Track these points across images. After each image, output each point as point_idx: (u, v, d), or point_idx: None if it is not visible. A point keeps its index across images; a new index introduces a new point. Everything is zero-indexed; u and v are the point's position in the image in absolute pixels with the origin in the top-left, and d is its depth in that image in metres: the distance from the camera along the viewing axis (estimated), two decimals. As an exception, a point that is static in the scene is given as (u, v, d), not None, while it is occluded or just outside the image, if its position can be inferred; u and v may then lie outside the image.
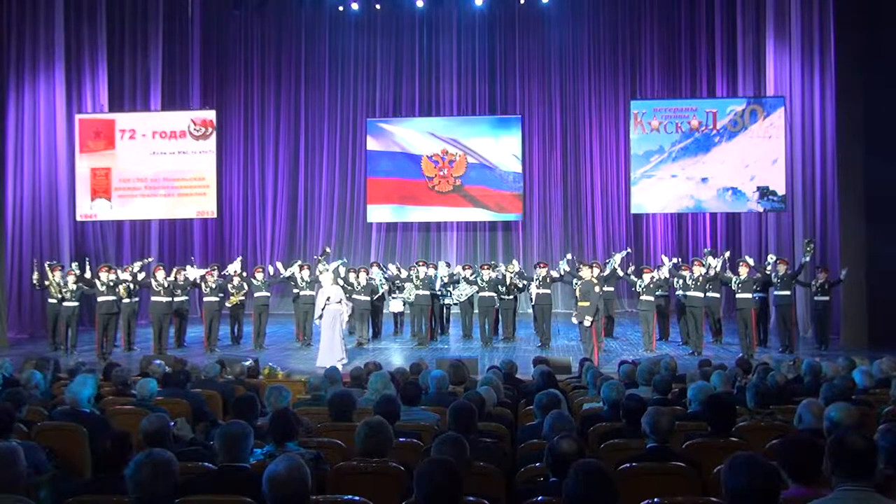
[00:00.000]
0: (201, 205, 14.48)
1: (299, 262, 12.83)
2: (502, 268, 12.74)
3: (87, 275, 11.86)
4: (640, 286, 11.69)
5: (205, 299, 12.25)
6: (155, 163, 14.35)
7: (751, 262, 11.38)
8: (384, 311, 13.52)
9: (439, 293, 12.71)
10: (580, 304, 10.53)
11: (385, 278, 13.12)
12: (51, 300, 11.91)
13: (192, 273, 12.27)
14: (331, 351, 10.20)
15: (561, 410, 4.05)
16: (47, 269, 11.94)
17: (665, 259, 12.68)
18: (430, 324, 12.52)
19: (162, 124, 14.51)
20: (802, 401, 4.27)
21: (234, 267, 12.69)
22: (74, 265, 12.09)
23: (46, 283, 11.82)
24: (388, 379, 5.56)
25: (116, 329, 11.73)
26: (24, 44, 13.82)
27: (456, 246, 17.58)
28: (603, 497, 2.56)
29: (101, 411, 5.29)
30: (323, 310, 10.41)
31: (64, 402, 5.12)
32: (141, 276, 11.94)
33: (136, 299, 12.16)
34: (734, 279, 11.09)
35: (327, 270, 11.31)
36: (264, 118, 17.90)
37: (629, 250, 13.34)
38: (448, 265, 14.08)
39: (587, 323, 10.24)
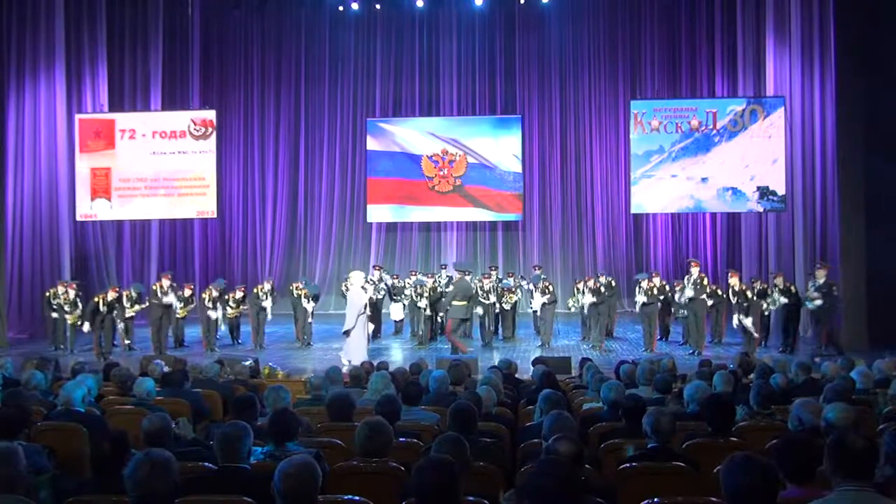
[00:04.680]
0: (201, 205, 14.47)
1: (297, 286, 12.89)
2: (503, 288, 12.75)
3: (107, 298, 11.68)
4: (639, 292, 11.69)
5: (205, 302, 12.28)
6: (155, 163, 14.34)
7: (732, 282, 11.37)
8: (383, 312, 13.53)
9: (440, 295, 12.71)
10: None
11: (385, 286, 13.20)
12: (54, 314, 11.91)
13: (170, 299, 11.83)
14: (358, 350, 10.16)
15: (561, 411, 4.04)
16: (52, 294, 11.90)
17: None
18: (431, 324, 12.52)
19: (162, 124, 14.50)
20: (795, 401, 4.27)
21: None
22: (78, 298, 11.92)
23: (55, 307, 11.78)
24: (389, 379, 5.56)
25: (115, 329, 11.73)
26: (25, 44, 13.81)
27: (456, 246, 17.58)
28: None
29: (102, 411, 5.30)
30: (359, 317, 10.41)
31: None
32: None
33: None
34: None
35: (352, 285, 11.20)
36: (264, 118, 17.89)
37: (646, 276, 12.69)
38: (444, 266, 14.13)
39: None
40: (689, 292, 11.23)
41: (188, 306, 12.30)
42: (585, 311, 12.28)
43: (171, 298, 11.68)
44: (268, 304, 12.29)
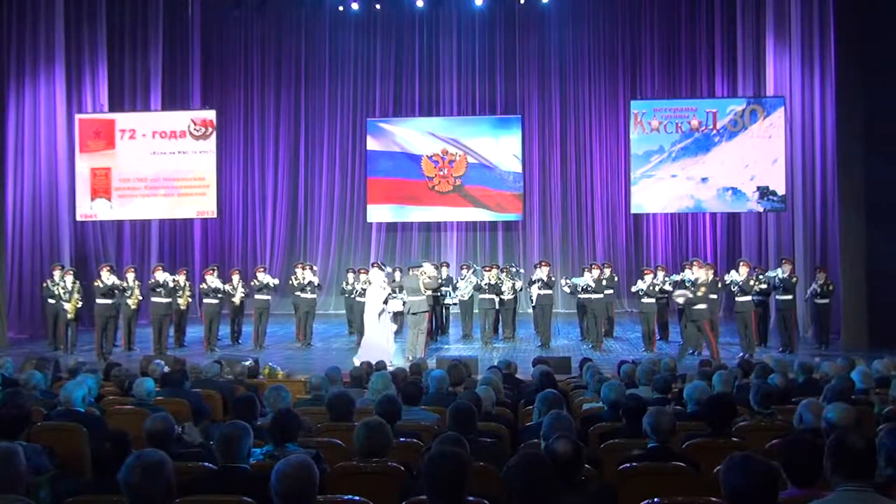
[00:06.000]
0: (201, 205, 14.46)
1: (301, 263, 12.89)
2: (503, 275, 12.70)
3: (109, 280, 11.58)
4: (640, 290, 11.69)
5: (204, 300, 12.26)
6: (155, 163, 14.33)
7: (739, 275, 11.27)
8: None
9: (439, 294, 12.70)
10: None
11: (385, 276, 13.16)
12: (51, 300, 11.90)
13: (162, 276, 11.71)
14: (376, 351, 9.94)
15: (560, 411, 4.05)
16: (53, 280, 11.84)
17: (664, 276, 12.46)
18: (431, 324, 12.50)
19: (162, 124, 14.50)
20: (801, 401, 4.28)
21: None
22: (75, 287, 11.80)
23: (56, 292, 11.71)
24: (389, 379, 5.56)
25: (116, 329, 11.73)
26: (25, 44, 13.81)
27: (456, 246, 17.58)
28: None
29: (102, 411, 5.30)
30: (381, 314, 10.39)
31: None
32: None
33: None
34: (734, 284, 11.11)
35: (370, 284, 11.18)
36: (264, 118, 17.89)
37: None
38: (447, 265, 14.12)
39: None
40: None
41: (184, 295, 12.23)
42: (579, 290, 12.21)
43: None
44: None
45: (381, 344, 10.22)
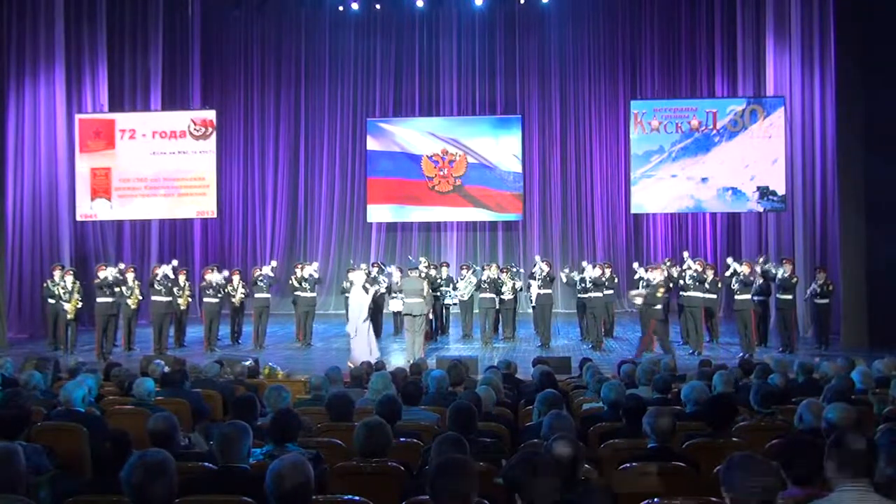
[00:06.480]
0: (201, 205, 14.46)
1: (300, 263, 12.91)
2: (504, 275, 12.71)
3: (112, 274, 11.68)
4: (642, 279, 11.73)
5: (205, 300, 12.27)
6: (155, 163, 14.33)
7: (743, 268, 11.31)
8: (384, 310, 13.50)
9: (439, 294, 12.71)
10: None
11: (385, 276, 13.18)
12: (51, 300, 11.90)
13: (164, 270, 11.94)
14: (365, 352, 9.99)
15: (559, 411, 4.04)
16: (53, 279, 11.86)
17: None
18: (430, 324, 12.51)
19: (162, 124, 14.50)
20: (802, 401, 4.27)
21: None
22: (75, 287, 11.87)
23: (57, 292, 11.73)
24: (389, 379, 5.56)
25: (116, 329, 11.74)
26: (24, 44, 13.81)
27: (456, 246, 17.58)
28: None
29: (102, 411, 5.30)
30: (368, 315, 10.41)
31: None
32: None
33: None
34: (735, 277, 11.12)
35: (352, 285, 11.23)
36: (264, 118, 17.90)
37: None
38: (447, 265, 14.12)
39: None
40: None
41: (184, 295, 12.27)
42: (578, 286, 12.24)
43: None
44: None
45: (370, 342, 10.24)
